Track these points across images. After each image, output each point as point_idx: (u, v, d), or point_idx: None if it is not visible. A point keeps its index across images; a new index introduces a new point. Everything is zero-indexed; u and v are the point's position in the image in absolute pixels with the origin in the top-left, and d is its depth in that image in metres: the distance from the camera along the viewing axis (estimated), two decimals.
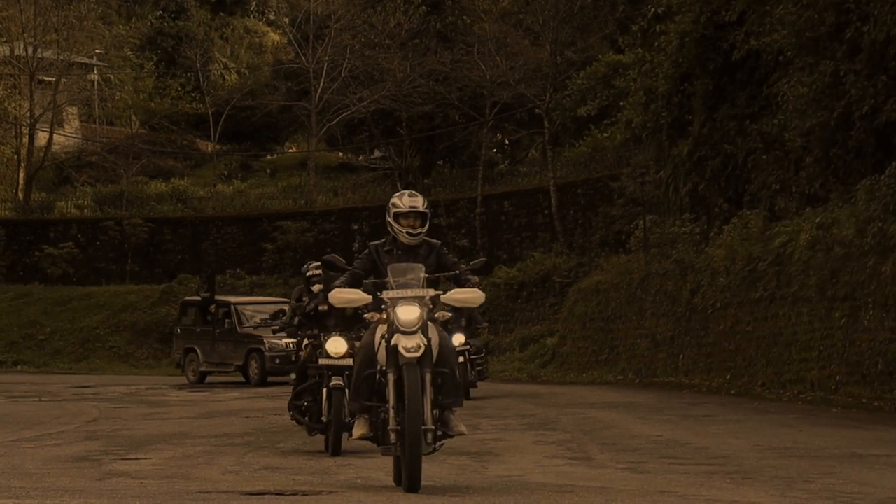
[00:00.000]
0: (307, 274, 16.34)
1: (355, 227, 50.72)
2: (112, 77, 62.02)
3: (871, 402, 21.23)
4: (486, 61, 47.77)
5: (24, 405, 26.03)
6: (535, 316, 42.73)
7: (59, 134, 59.07)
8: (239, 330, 35.29)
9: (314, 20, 54.34)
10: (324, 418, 15.09)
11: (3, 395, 29.68)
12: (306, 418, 15.46)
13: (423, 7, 50.63)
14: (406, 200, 10.67)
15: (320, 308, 15.35)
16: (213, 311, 36.65)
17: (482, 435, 17.68)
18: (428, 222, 10.68)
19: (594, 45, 48.53)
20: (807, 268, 24.17)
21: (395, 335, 10.03)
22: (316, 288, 15.74)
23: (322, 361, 15.21)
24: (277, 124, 63.67)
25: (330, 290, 10.67)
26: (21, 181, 55.48)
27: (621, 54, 44.32)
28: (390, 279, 10.26)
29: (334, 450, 14.84)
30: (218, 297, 38.54)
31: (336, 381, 14.96)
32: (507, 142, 57.91)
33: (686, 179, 32.29)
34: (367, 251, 10.74)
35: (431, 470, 12.58)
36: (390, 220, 10.63)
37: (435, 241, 10.87)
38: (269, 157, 65.53)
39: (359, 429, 10.47)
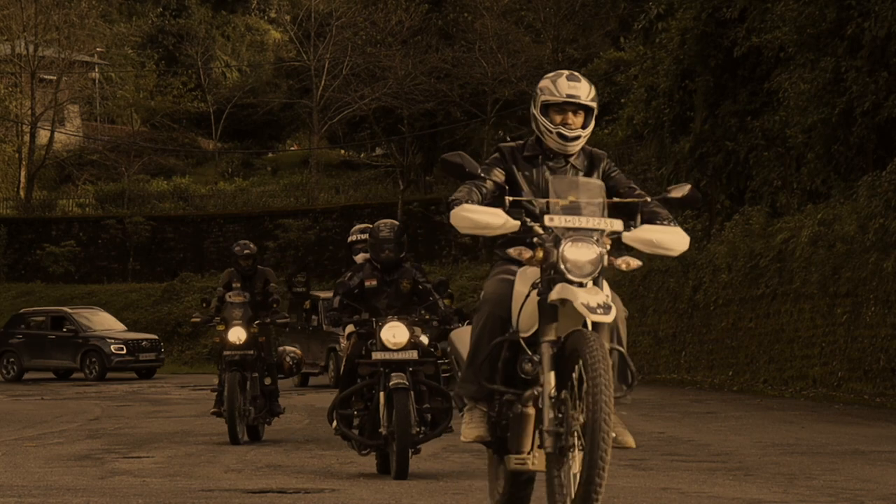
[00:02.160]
0: (349, 240, 13.14)
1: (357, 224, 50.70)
2: (113, 75, 62.04)
3: (874, 399, 21.23)
4: (488, 58, 47.77)
5: (27, 404, 26.05)
6: None
7: (61, 132, 59.09)
8: (324, 328, 31.90)
9: (315, 18, 54.34)
10: (382, 430, 11.59)
11: (5, 393, 29.70)
12: (356, 431, 11.91)
13: (425, 4, 50.62)
14: (563, 85, 7.10)
15: (367, 284, 12.06)
16: (307, 307, 33.59)
17: None
18: (593, 122, 7.34)
19: (596, 42, 48.53)
20: (808, 264, 24.17)
21: (561, 287, 6.44)
22: (360, 258, 12.56)
23: (377, 355, 11.74)
24: (279, 122, 63.65)
25: (455, 207, 6.78)
26: (23, 179, 55.51)
27: (622, 51, 44.33)
28: (553, 197, 6.70)
29: (398, 472, 11.42)
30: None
31: (397, 379, 11.61)
32: (508, 139, 57.87)
33: (688, 176, 32.25)
34: (497, 155, 7.31)
35: (434, 466, 12.59)
36: (536, 111, 7.17)
37: (600, 151, 7.65)
38: (270, 155, 65.54)
39: (472, 428, 6.99)
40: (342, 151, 63.21)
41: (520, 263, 6.78)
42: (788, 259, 25.07)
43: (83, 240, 51.97)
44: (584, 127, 7.26)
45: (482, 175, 7.06)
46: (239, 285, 16.47)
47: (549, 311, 6.53)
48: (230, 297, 16.21)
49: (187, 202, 54.47)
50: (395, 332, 11.74)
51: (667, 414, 20.54)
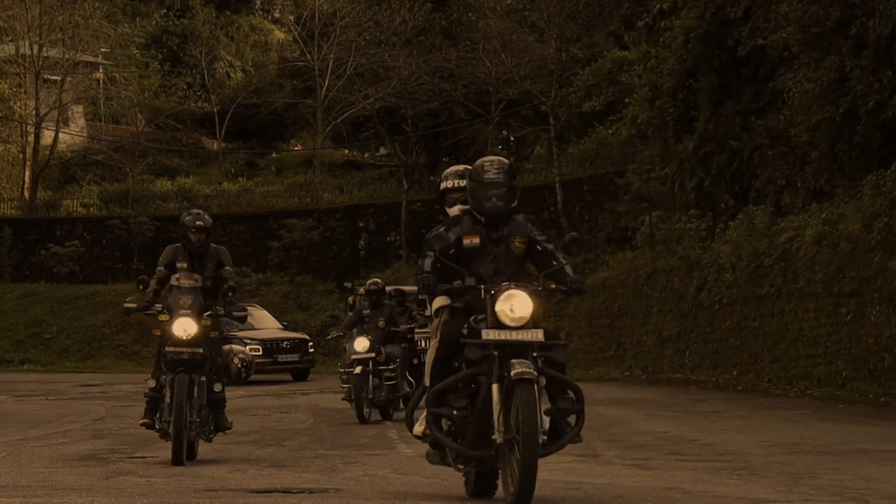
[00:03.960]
0: (441, 186, 9.79)
1: (361, 224, 50.75)
2: (117, 76, 62.08)
3: (878, 398, 21.21)
4: (492, 58, 47.77)
5: (31, 404, 26.05)
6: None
7: (65, 133, 59.13)
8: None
9: (319, 18, 54.36)
10: (497, 437, 8.58)
11: (9, 393, 29.71)
12: (454, 438, 8.93)
13: (428, 4, 50.63)
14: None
15: (467, 242, 9.08)
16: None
17: None
18: None
19: (599, 42, 48.52)
20: (813, 263, 24.15)
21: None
22: (457, 209, 9.54)
23: (489, 334, 8.66)
24: (283, 122, 63.68)
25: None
26: (27, 180, 55.55)
27: (626, 51, 44.33)
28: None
29: (521, 494, 8.40)
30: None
31: (521, 367, 8.49)
32: (512, 138, 57.90)
33: (692, 175, 32.27)
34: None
35: (436, 468, 12.59)
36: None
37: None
38: (274, 155, 65.56)
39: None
40: (346, 151, 63.22)
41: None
42: (793, 258, 25.05)
43: (87, 240, 52.01)
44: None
45: None
46: (185, 265, 13.46)
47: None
48: (178, 279, 13.27)
49: (191, 202, 54.47)
50: (514, 304, 8.72)
51: (671, 413, 20.54)
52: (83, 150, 61.54)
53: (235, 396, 28.13)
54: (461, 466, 9.19)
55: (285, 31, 69.58)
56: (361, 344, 20.19)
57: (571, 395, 8.80)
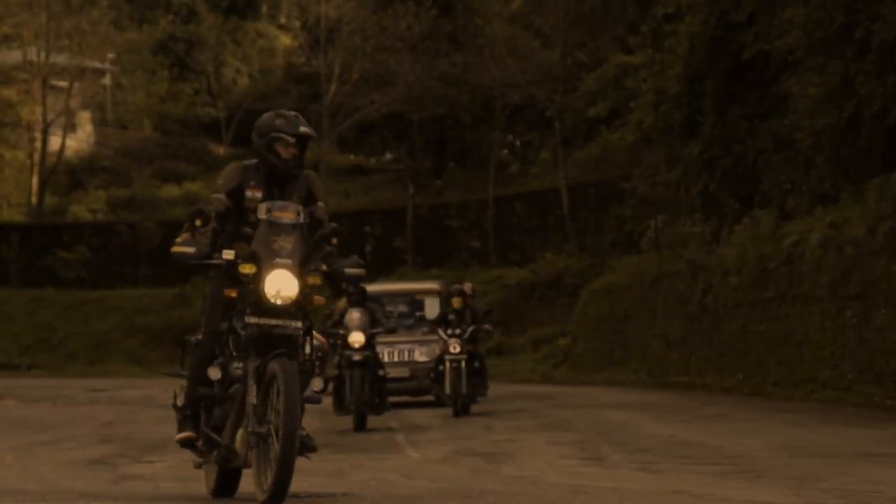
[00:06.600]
0: None
1: (367, 229, 50.77)
2: (125, 81, 62.17)
3: (884, 401, 21.22)
4: (497, 63, 47.80)
5: (39, 409, 26.11)
6: (548, 317, 42.77)
7: (72, 138, 59.21)
8: None
9: (325, 23, 54.40)
10: None
11: (17, 398, 29.77)
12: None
13: (434, 10, 50.67)
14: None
15: None
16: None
17: (495, 436, 17.74)
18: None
19: (604, 47, 48.54)
20: (818, 267, 24.17)
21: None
22: None
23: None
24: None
25: None
26: (34, 186, 55.63)
27: (631, 55, 44.34)
28: None
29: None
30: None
31: None
32: (517, 143, 57.94)
33: (697, 180, 32.29)
34: None
35: (446, 471, 12.63)
36: None
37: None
38: None
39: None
40: (352, 156, 63.24)
41: None
42: (798, 262, 25.07)
43: (95, 245, 52.07)
44: None
45: None
46: (260, 195, 8.94)
47: None
48: (269, 210, 8.69)
49: None
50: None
51: (677, 417, 20.56)
52: (90, 156, 61.61)
53: None
54: None
55: (291, 37, 69.63)
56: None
57: None
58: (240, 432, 8.73)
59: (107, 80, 62.39)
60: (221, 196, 9.05)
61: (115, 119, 64.77)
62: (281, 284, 8.44)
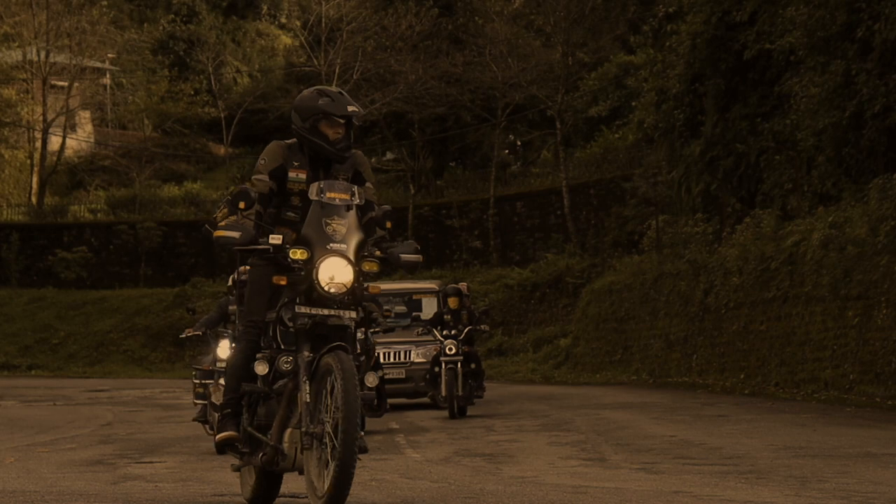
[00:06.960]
0: None
1: None
2: (125, 81, 62.19)
3: (886, 401, 21.19)
4: (498, 63, 47.80)
5: (39, 409, 26.10)
6: (549, 317, 42.77)
7: (72, 138, 59.24)
8: None
9: (326, 23, 54.42)
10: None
11: (17, 399, 29.77)
12: None
13: (435, 9, 50.67)
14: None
15: None
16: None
17: (496, 436, 17.71)
18: None
19: (605, 46, 48.55)
20: (819, 267, 24.15)
21: None
22: None
23: None
24: (290, 127, 63.67)
25: None
26: (34, 186, 55.66)
27: (633, 55, 44.37)
28: None
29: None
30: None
31: None
32: (519, 143, 57.95)
33: (698, 179, 32.28)
34: None
35: (446, 471, 12.60)
36: None
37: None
38: None
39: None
40: None
41: None
42: (799, 262, 25.05)
43: (95, 245, 52.09)
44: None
45: None
46: (305, 176, 8.22)
47: None
48: (321, 189, 7.93)
49: (198, 207, 54.54)
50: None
51: (678, 417, 20.53)
52: (90, 156, 61.65)
53: None
54: None
55: (292, 37, 69.66)
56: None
57: None
58: (288, 432, 7.86)
59: (107, 80, 62.40)
60: (264, 177, 8.20)
61: (115, 119, 64.78)
62: (335, 271, 7.70)
